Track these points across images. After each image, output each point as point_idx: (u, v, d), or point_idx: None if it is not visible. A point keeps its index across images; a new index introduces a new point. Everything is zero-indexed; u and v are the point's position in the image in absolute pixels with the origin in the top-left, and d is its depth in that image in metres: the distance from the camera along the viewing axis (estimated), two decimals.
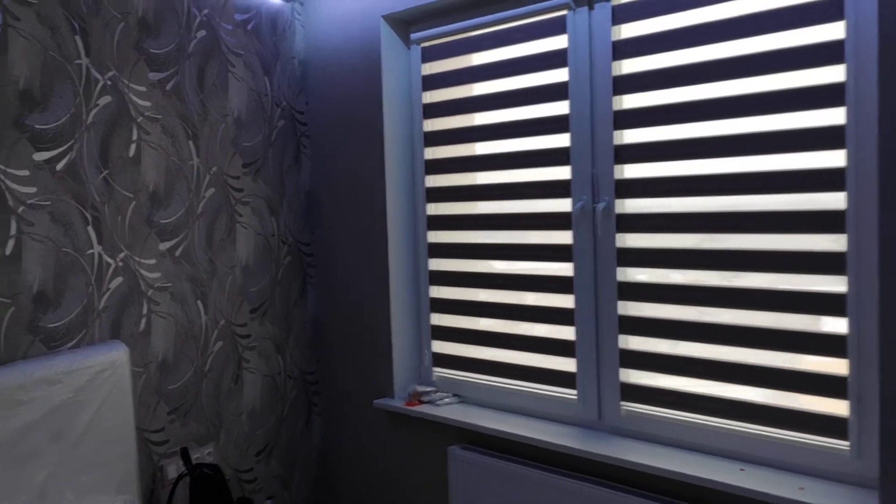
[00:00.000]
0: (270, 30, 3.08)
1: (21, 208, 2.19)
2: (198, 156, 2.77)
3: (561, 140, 2.57)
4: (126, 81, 2.50)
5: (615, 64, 2.42)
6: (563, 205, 2.59)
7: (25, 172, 2.20)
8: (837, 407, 2.04)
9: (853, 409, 2.00)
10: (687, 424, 2.33)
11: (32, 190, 2.22)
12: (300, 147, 3.23)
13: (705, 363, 2.28)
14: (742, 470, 2.16)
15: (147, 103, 2.57)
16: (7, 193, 2.16)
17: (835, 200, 2.00)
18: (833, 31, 1.98)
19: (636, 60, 2.39)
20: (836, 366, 2.03)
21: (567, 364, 2.63)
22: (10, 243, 2.16)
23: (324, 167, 3.25)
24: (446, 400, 2.95)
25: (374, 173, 3.03)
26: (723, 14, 2.19)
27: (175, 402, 2.69)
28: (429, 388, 3.00)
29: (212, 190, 2.83)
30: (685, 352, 2.32)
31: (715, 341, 2.25)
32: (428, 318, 3.07)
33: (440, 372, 3.05)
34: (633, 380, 2.47)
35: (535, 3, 2.59)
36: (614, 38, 2.42)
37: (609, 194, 2.45)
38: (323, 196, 3.26)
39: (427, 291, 3.06)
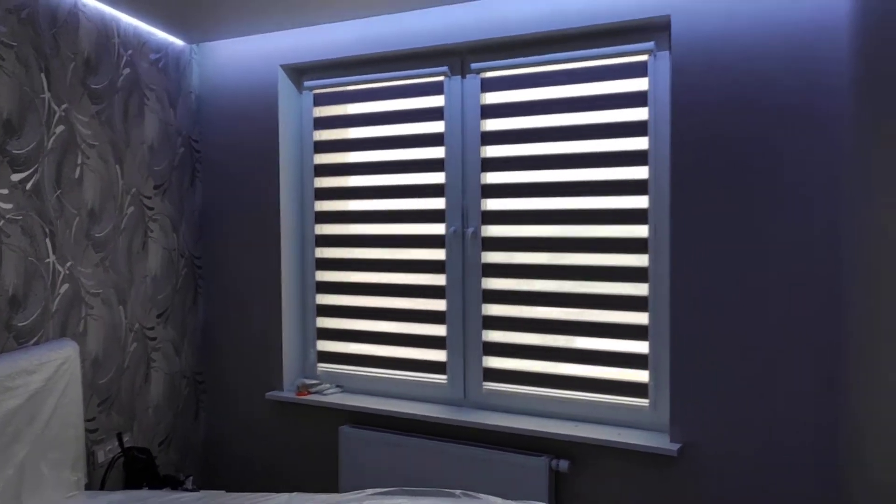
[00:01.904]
0: (175, 68, 3.51)
1: (2, 222, 2.51)
2: (122, 178, 3.15)
3: (437, 178, 3.26)
4: (75, 113, 2.86)
5: (483, 122, 3.16)
6: (437, 228, 3.27)
7: (5, 191, 2.52)
8: (641, 376, 2.89)
9: (651, 377, 2.86)
10: (535, 396, 3.10)
11: (10, 206, 2.54)
12: (195, 171, 3.66)
13: (549, 349, 3.06)
14: (577, 426, 2.95)
15: (88, 132, 2.94)
16: None
17: (641, 230, 2.86)
18: (640, 113, 2.85)
19: (498, 121, 3.14)
20: (641, 346, 2.88)
21: (438, 355, 3.30)
22: None
23: (215, 190, 3.70)
24: (331, 390, 3.52)
25: (269, 198, 3.54)
26: (564, 94, 2.99)
27: (103, 394, 3.04)
28: (315, 381, 3.55)
29: (132, 208, 3.22)
30: (534, 341, 3.09)
31: (556, 332, 3.04)
32: (314, 322, 3.62)
33: (324, 367, 3.61)
34: (492, 364, 3.20)
35: (417, 68, 3.27)
36: (482, 102, 3.16)
37: (477, 221, 3.17)
38: (214, 215, 3.70)
39: (314, 299, 3.61)
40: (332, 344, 3.59)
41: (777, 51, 2.53)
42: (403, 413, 3.22)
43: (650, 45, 2.79)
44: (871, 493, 2.06)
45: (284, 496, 2.47)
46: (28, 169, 2.63)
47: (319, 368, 3.62)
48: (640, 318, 2.88)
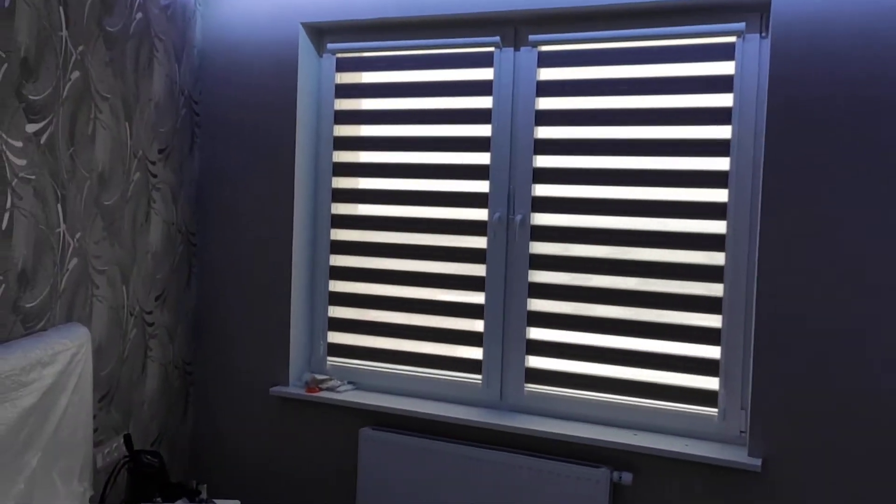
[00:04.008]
0: (181, 18, 3.09)
1: (15, 181, 2.07)
2: (131, 139, 2.72)
3: (481, 158, 2.97)
4: (90, 58, 2.43)
5: (537, 100, 2.89)
6: (479, 214, 2.98)
7: (19, 144, 2.08)
8: (709, 383, 2.69)
9: (722, 384, 2.66)
10: (583, 400, 2.85)
11: (24, 162, 2.10)
12: (194, 137, 3.24)
13: (602, 349, 2.81)
14: (636, 434, 2.73)
15: (102, 82, 2.51)
16: (6, 165, 2.03)
17: (717, 226, 2.65)
18: (722, 100, 2.64)
19: (555, 99, 2.88)
20: (710, 351, 2.68)
21: (473, 352, 3.02)
22: (6, 217, 2.03)
23: (215, 158, 3.28)
24: (344, 387, 3.18)
25: (281, 171, 3.15)
26: (633, 74, 2.76)
27: (103, 389, 2.62)
28: (325, 377, 3.21)
29: (137, 174, 2.79)
30: (585, 341, 2.85)
31: (611, 332, 2.80)
32: (325, 311, 3.26)
33: (333, 361, 3.27)
34: (535, 365, 2.93)
35: (463, 37, 2.96)
36: (538, 78, 2.88)
37: (525, 208, 2.90)
38: (212, 187, 3.29)
39: (326, 286, 3.25)
40: (343, 336, 3.25)
41: (889, 35, 2.36)
42: (435, 415, 2.92)
43: (740, 26, 2.58)
44: None
45: None
46: (43, 119, 2.20)
47: (329, 363, 3.28)
48: (712, 320, 2.68)
